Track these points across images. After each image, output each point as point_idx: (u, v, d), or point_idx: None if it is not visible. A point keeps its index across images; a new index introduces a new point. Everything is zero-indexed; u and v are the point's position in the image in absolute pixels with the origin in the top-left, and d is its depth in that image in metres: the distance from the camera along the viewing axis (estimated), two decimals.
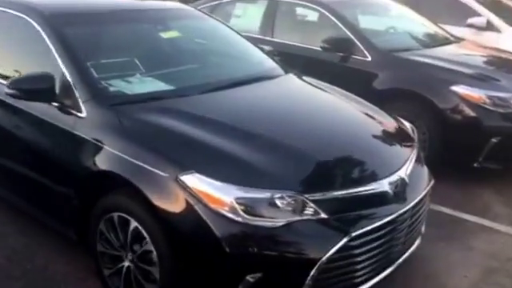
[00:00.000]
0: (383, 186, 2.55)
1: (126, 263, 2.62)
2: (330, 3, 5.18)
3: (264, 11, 5.54)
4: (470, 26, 6.87)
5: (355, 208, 2.46)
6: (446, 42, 5.28)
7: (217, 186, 2.30)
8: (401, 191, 2.62)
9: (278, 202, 2.32)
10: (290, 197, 2.33)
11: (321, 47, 4.84)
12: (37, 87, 2.81)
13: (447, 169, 4.49)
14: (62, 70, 2.89)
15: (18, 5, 3.31)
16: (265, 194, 2.31)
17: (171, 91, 3.06)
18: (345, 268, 2.40)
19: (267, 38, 5.36)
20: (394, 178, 2.61)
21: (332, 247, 2.31)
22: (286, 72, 3.69)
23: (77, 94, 2.81)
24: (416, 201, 2.70)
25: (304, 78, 3.66)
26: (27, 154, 3.11)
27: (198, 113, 2.82)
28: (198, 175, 2.33)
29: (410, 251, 2.84)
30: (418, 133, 4.26)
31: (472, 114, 4.15)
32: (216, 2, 5.93)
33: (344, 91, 3.49)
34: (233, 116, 2.82)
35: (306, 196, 2.36)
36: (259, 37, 5.40)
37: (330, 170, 2.60)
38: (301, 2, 5.41)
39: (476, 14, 6.93)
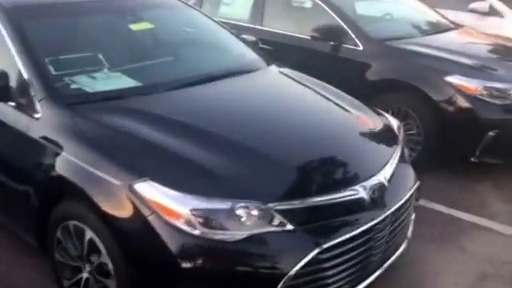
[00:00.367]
0: (359, 191, 2.34)
1: (85, 275, 2.44)
2: None
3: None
4: (473, 11, 6.57)
5: (327, 217, 2.25)
6: (443, 29, 4.98)
7: (172, 196, 2.10)
8: (379, 196, 2.40)
9: (240, 213, 2.11)
10: (253, 207, 2.12)
11: (310, 36, 4.60)
12: None
13: (443, 164, 4.27)
14: (18, 67, 2.69)
15: None
16: (225, 205, 2.11)
17: (137, 88, 2.85)
18: (314, 283, 2.19)
19: (257, 27, 5.12)
20: (371, 182, 2.39)
21: (300, 261, 2.10)
22: (269, 64, 3.47)
23: (32, 93, 2.61)
24: (397, 206, 2.49)
25: (286, 70, 3.43)
26: None
27: (162, 113, 2.62)
28: (152, 183, 2.13)
29: (392, 259, 2.63)
30: (414, 125, 4.15)
31: (468, 105, 3.89)
32: None
33: (328, 85, 3.26)
34: (199, 116, 2.61)
35: (272, 205, 2.15)
36: (248, 25, 5.17)
37: (299, 176, 2.37)
38: None
39: None
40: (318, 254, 2.14)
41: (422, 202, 3.77)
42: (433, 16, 5.34)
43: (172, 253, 2.06)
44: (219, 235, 2.08)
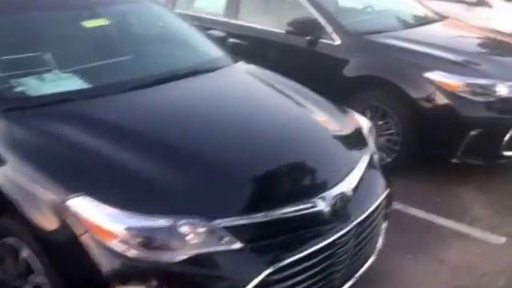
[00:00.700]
0: (317, 204, 2.14)
1: None
2: None
3: None
4: (461, 1, 6.37)
5: (281, 233, 2.04)
6: (427, 21, 4.76)
7: (107, 213, 1.90)
8: (342, 208, 2.20)
9: (183, 231, 1.91)
10: (197, 224, 1.92)
11: (286, 30, 4.37)
12: None
13: (423, 165, 4.08)
14: None
15: None
16: (165, 222, 1.90)
17: (87, 90, 2.63)
18: None
19: (232, 21, 4.89)
20: (332, 192, 2.19)
21: (250, 282, 1.91)
22: (235, 61, 3.26)
23: None
24: (363, 217, 2.29)
25: (253, 68, 3.21)
26: None
27: (110, 117, 2.41)
28: (86, 199, 1.92)
29: (359, 273, 2.43)
30: (393, 124, 3.94)
31: (448, 103, 3.68)
32: None
33: (295, 84, 3.04)
34: (148, 121, 2.40)
35: (218, 222, 1.95)
36: (224, 19, 4.95)
37: (250, 188, 2.15)
38: None
39: None
40: (271, 274, 1.95)
41: (399, 207, 3.61)
42: (417, 7, 5.12)
43: (105, 276, 1.87)
44: (159, 256, 1.88)
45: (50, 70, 2.72)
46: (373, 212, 2.40)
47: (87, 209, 1.92)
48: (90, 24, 3.04)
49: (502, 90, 3.69)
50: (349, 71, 4.12)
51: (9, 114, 2.35)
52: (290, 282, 2.02)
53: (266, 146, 2.34)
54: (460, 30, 4.76)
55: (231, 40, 4.78)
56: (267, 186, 2.20)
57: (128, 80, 2.76)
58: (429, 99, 3.75)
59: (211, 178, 2.09)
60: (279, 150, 2.33)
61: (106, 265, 1.86)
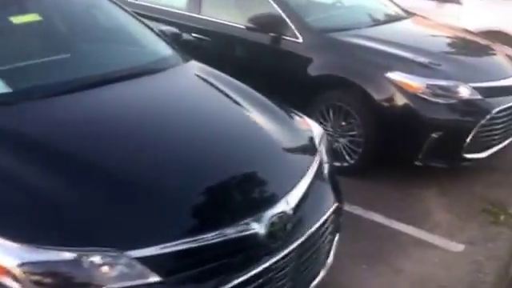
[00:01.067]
0: (251, 226, 1.94)
1: None
2: None
3: None
4: None
5: (208, 261, 1.83)
6: (393, 18, 4.64)
7: None
8: (280, 229, 2.01)
9: (89, 265, 1.67)
10: (109, 255, 1.70)
11: (248, 26, 4.20)
12: None
13: (386, 168, 3.97)
14: None
15: None
16: (68, 255, 1.66)
17: (4, 95, 2.34)
18: None
19: (194, 15, 4.70)
20: (270, 212, 2.00)
21: None
22: (186, 61, 3.09)
23: None
24: (306, 236, 2.13)
25: (202, 69, 3.04)
26: None
27: (20, 128, 2.13)
28: None
29: None
30: (355, 126, 3.76)
31: (409, 105, 3.58)
32: None
33: (245, 87, 2.87)
34: (66, 133, 2.15)
35: (132, 253, 1.71)
36: (186, 14, 4.77)
37: (173, 211, 1.90)
38: None
39: None
40: None
41: (359, 212, 3.52)
42: (385, 4, 4.99)
43: None
44: None
45: None
46: (318, 229, 2.24)
47: None
48: (18, 20, 2.78)
49: (463, 91, 3.60)
50: (312, 70, 3.98)
51: None
52: None
53: (201, 160, 2.13)
54: (426, 29, 4.66)
55: (194, 35, 4.65)
56: (192, 207, 1.96)
57: (57, 83, 2.48)
58: (390, 100, 3.64)
59: (126, 201, 1.86)
60: (211, 166, 2.12)
61: None
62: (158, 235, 1.79)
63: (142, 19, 3.35)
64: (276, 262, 1.98)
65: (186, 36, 4.69)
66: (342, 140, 3.93)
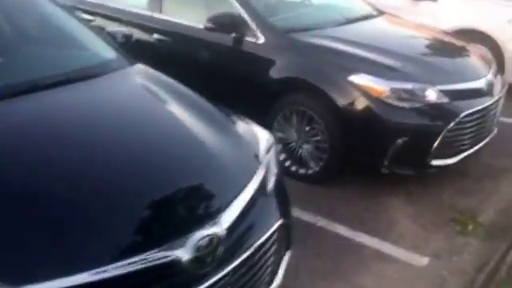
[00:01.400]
0: (174, 251, 1.73)
1: None
2: None
3: None
4: None
5: None
6: (362, 17, 4.44)
7: None
8: (209, 253, 1.80)
9: None
10: None
11: (208, 27, 3.98)
12: None
13: (352, 175, 3.81)
14: None
15: None
16: None
17: None
18: None
19: (155, 15, 4.49)
20: (197, 235, 1.79)
21: None
22: (131, 64, 2.87)
23: None
24: (242, 259, 1.93)
25: (146, 73, 2.81)
26: None
27: None
28: None
29: None
30: (319, 131, 3.55)
31: (373, 109, 3.39)
32: None
33: (190, 93, 2.66)
34: None
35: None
36: (147, 14, 4.55)
37: (81, 235, 1.67)
38: None
39: None
40: None
41: (323, 223, 3.33)
42: (354, 2, 4.82)
43: None
44: None
45: None
46: (258, 250, 2.05)
47: None
48: None
49: (429, 94, 3.42)
50: (274, 73, 3.78)
51: None
52: None
53: (119, 180, 1.90)
54: (395, 28, 4.47)
55: (155, 36, 4.44)
56: (106, 233, 1.72)
57: None
58: (353, 105, 3.45)
59: (26, 229, 1.62)
60: (134, 184, 1.90)
61: None
62: (63, 265, 1.57)
63: (86, 19, 3.14)
64: None
65: (140, 37, 4.54)
66: (306, 146, 3.74)
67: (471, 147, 3.67)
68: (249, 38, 3.91)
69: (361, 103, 3.42)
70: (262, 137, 2.52)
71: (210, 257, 1.81)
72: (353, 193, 3.68)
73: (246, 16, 3.92)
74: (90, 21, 4.86)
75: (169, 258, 1.72)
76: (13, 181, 1.80)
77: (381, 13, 4.69)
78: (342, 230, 3.28)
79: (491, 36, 5.63)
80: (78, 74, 2.55)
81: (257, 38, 3.87)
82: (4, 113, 2.18)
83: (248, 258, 1.98)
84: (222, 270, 1.86)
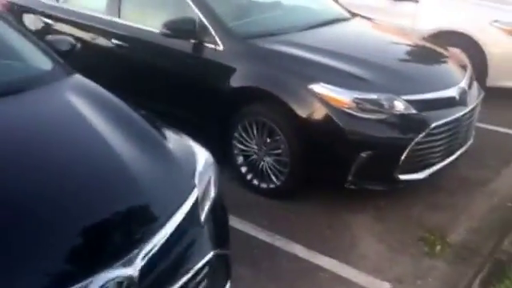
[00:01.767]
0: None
1: None
2: None
3: None
4: None
5: None
6: (332, 20, 4.18)
7: None
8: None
9: None
10: None
11: (164, 33, 3.73)
12: None
13: (316, 190, 3.57)
14: None
15: None
16: None
17: None
18: None
19: (114, 20, 4.25)
20: (103, 277, 1.57)
21: None
22: (68, 75, 2.64)
23: None
24: None
25: (82, 86, 2.58)
26: None
27: None
28: None
29: None
30: (281, 143, 3.29)
31: (334, 121, 3.14)
32: None
33: (124, 109, 2.42)
34: None
35: None
36: (106, 18, 4.31)
37: None
38: None
39: None
40: None
41: (280, 243, 3.11)
42: (327, 4, 4.58)
43: None
44: None
45: None
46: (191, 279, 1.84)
47: None
48: None
49: (396, 105, 3.18)
50: (234, 81, 3.54)
51: None
52: None
53: (26, 211, 1.66)
54: (366, 32, 4.22)
55: (113, 42, 4.20)
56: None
57: None
58: (314, 116, 3.21)
59: None
60: (40, 212, 1.66)
61: None
62: None
63: (21, 27, 2.91)
64: None
65: (98, 43, 4.31)
66: (267, 159, 3.51)
67: (442, 160, 3.44)
68: (208, 45, 3.67)
69: (321, 114, 3.18)
70: (200, 156, 2.29)
71: None
72: (317, 209, 3.46)
73: (204, 21, 3.68)
74: (48, 24, 4.70)
75: None
76: None
77: (353, 15, 4.46)
78: (301, 250, 3.05)
79: (473, 38, 5.39)
80: (4, 88, 2.32)
81: (216, 44, 3.63)
82: None
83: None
84: None
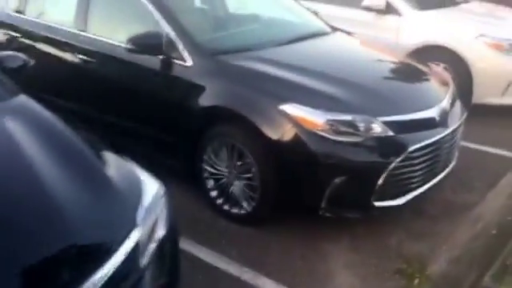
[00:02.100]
0: None
1: None
2: None
3: None
4: (367, 8, 5.67)
5: None
6: (310, 35, 3.98)
7: None
8: None
9: None
10: None
11: (126, 49, 3.54)
12: None
13: (291, 216, 3.35)
14: None
15: None
16: None
17: None
18: None
19: (81, 33, 4.04)
20: None
21: None
22: (12, 96, 2.42)
23: None
24: None
25: (24, 108, 2.35)
26: None
27: None
28: None
29: None
30: (251, 167, 3.06)
31: (306, 144, 2.93)
32: None
33: (66, 136, 2.18)
34: None
35: None
36: (73, 31, 4.10)
37: None
38: None
39: None
40: None
41: (248, 277, 2.90)
42: (306, 18, 4.40)
43: None
44: None
45: None
46: None
47: None
48: None
49: (373, 127, 2.98)
50: (203, 100, 3.31)
51: None
52: None
53: None
54: (346, 48, 4.01)
55: (79, 56, 3.99)
56: None
57: None
58: (285, 138, 2.99)
59: None
60: None
61: None
62: None
63: None
64: None
65: (62, 58, 4.09)
66: (237, 183, 3.29)
67: (423, 185, 3.23)
68: (176, 61, 3.46)
69: (293, 137, 2.97)
70: (149, 188, 2.06)
71: None
72: (290, 237, 3.23)
73: (172, 35, 3.47)
74: (13, 37, 4.48)
75: None
76: None
77: (334, 30, 4.28)
78: (270, 285, 2.83)
79: (458, 53, 5.23)
80: None
81: (184, 60, 3.42)
82: None
83: None
84: None
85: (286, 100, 3.01)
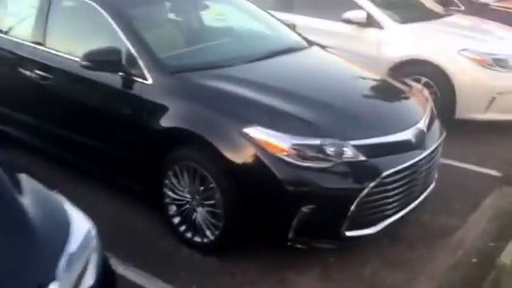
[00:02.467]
0: None
1: None
2: None
3: (37, 7, 3.93)
4: (350, 21, 5.48)
5: None
6: (283, 51, 3.74)
7: None
8: None
9: None
10: None
11: (81, 65, 3.29)
12: None
13: (257, 245, 3.12)
14: None
15: None
16: None
17: None
18: None
19: (39, 48, 3.81)
20: None
21: None
22: None
23: None
24: None
25: None
26: None
27: None
28: None
29: None
30: (214, 194, 2.82)
31: (271, 170, 2.70)
32: None
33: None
34: None
35: None
36: (31, 45, 3.87)
37: None
38: None
39: (357, 6, 5.55)
40: None
41: None
42: (279, 31, 4.21)
43: None
44: None
45: None
46: None
47: None
48: None
49: (343, 151, 2.76)
50: (163, 121, 3.07)
51: None
52: None
53: None
54: (319, 65, 3.77)
55: (36, 72, 3.76)
56: None
57: None
58: (248, 164, 2.76)
59: None
60: None
61: None
62: None
63: None
64: None
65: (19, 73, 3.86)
66: (200, 210, 3.06)
67: (399, 211, 3.01)
68: (136, 78, 3.23)
69: (257, 162, 2.73)
70: (77, 229, 1.81)
71: None
72: (255, 268, 3.00)
73: (132, 51, 3.25)
74: None
75: None
76: None
77: (310, 44, 4.07)
78: None
79: (441, 67, 5.04)
80: None
81: (144, 78, 3.20)
82: None
83: None
84: None
85: (249, 122, 2.79)
